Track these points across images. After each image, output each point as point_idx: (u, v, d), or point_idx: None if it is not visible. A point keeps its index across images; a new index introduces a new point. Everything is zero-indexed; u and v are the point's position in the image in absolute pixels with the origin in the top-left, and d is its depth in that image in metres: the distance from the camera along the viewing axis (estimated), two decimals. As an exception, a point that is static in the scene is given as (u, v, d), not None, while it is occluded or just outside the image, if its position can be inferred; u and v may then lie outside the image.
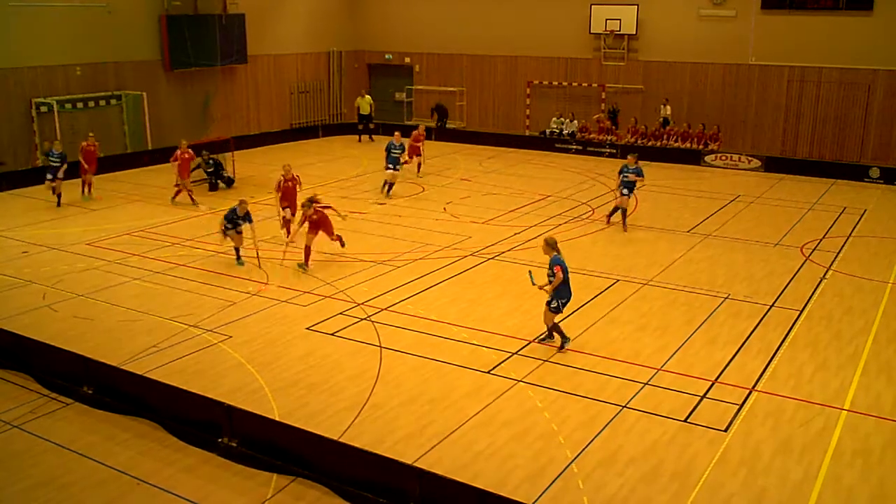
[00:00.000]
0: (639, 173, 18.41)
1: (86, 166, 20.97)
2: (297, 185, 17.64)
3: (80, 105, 24.96)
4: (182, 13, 27.80)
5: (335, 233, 15.99)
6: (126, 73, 26.50)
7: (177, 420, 9.64)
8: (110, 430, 9.64)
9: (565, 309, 12.77)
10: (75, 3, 24.77)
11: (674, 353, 11.76)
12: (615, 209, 18.76)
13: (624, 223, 18.46)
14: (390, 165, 21.59)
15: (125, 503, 8.23)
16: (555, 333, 12.02)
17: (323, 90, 34.57)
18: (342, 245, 16.17)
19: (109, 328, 12.62)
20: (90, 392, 10.34)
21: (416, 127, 25.70)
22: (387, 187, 21.78)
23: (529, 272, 12.05)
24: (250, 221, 15.44)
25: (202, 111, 29.32)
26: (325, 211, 15.82)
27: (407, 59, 34.68)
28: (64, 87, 24.74)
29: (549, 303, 11.79)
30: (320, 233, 15.64)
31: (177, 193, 20.98)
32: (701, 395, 10.48)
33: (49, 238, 17.67)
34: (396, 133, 22.34)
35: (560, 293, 11.67)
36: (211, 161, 22.82)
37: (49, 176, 20.27)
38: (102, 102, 25.70)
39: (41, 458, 9.06)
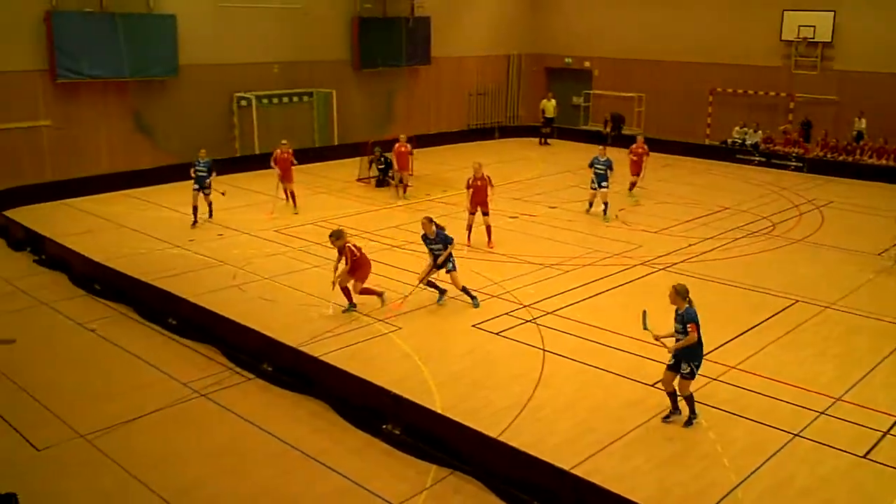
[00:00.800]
0: None
1: (280, 172, 19.91)
2: (489, 186, 17.04)
3: (275, 101, 26.61)
4: (372, 16, 29.03)
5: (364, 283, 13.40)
6: (318, 71, 27.98)
7: (346, 403, 10.13)
8: (285, 407, 10.27)
9: (738, 326, 12.35)
10: (275, 4, 26.43)
11: (855, 384, 11.07)
12: None
13: None
14: (603, 184, 19.32)
15: (295, 475, 8.75)
16: (682, 403, 9.99)
17: (501, 92, 34.97)
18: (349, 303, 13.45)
19: (290, 311, 13.42)
20: (270, 369, 11.05)
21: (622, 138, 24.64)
22: (602, 207, 19.48)
23: (644, 312, 10.26)
24: (449, 241, 13.66)
25: (387, 110, 30.48)
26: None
27: (586, 64, 34.44)
28: (262, 83, 26.45)
29: (674, 366, 9.87)
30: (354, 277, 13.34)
31: (404, 188, 22.09)
32: (884, 430, 9.80)
33: (242, 223, 18.97)
34: (601, 147, 20.12)
35: (693, 355, 9.76)
36: (382, 158, 23.57)
37: (195, 187, 18.78)
38: (296, 99, 27.29)
39: (223, 426, 9.79)
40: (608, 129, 31.76)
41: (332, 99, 27.79)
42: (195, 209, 18.78)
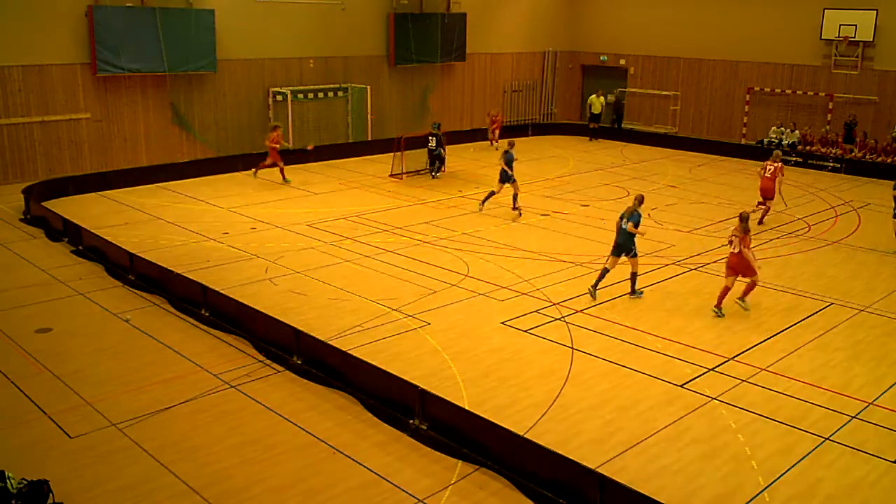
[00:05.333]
0: None
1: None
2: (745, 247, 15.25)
3: (310, 95, 26.79)
4: (408, 11, 29.11)
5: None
6: (353, 67, 28.13)
7: (373, 397, 10.19)
8: (314, 400, 10.35)
9: (770, 327, 12.22)
10: (313, 0, 26.62)
11: (889, 388, 10.91)
12: None
13: None
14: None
15: (321, 469, 8.82)
16: None
17: (535, 89, 34.87)
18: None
19: (320, 305, 13.53)
20: (299, 362, 11.15)
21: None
22: None
23: None
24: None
25: (420, 105, 30.55)
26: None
27: (622, 62, 34.23)
28: (298, 78, 26.66)
29: None
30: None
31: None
32: (917, 436, 9.67)
33: (275, 217, 19.14)
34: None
35: None
36: (435, 139, 23.92)
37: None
38: (330, 94, 27.45)
39: (252, 418, 9.89)
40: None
41: (367, 94, 27.91)
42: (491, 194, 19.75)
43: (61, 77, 22.09)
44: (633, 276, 14.18)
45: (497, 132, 29.70)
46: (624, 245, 13.87)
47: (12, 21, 21.10)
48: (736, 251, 13.37)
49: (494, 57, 32.97)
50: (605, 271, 14.10)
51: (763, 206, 19.12)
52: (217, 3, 24.29)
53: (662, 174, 25.30)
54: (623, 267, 15.72)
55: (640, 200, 13.95)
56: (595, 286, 14.05)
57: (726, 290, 13.49)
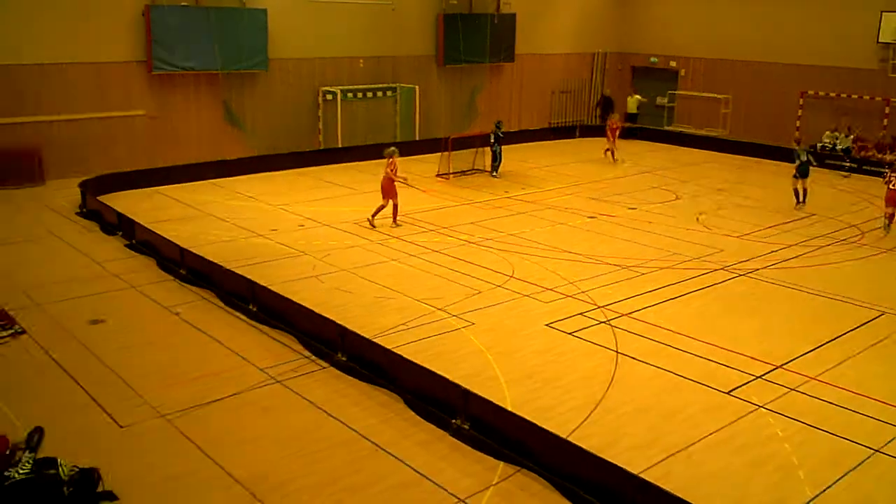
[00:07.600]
0: None
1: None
2: None
3: (360, 95, 26.99)
4: (458, 12, 29.18)
5: None
6: (403, 66, 28.28)
7: (416, 395, 10.24)
8: (357, 397, 10.44)
9: (820, 336, 12.01)
10: (364, 0, 26.82)
11: (943, 401, 10.66)
12: None
13: None
14: None
15: (364, 465, 8.90)
16: None
17: (584, 91, 34.68)
18: None
19: (366, 303, 13.62)
20: (344, 359, 11.25)
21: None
22: None
23: None
24: None
25: (468, 106, 30.59)
26: None
27: (672, 63, 33.86)
28: (348, 77, 26.89)
29: None
30: None
31: (610, 152, 27.03)
32: (971, 450, 9.41)
33: (323, 215, 19.33)
34: None
35: None
36: (494, 138, 24.09)
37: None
38: (380, 94, 27.63)
39: (297, 413, 10.01)
40: (597, 115, 32.06)
41: (415, 94, 28.03)
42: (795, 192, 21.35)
43: (118, 74, 22.59)
44: None
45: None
46: None
47: (73, 20, 21.63)
48: (893, 187, 17.58)
49: (543, 57, 32.87)
50: None
51: None
52: (269, 2, 24.62)
53: (712, 178, 24.97)
54: (668, 271, 15.58)
55: None
56: None
57: (892, 215, 18.31)
